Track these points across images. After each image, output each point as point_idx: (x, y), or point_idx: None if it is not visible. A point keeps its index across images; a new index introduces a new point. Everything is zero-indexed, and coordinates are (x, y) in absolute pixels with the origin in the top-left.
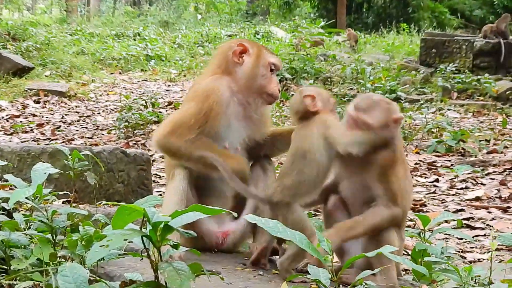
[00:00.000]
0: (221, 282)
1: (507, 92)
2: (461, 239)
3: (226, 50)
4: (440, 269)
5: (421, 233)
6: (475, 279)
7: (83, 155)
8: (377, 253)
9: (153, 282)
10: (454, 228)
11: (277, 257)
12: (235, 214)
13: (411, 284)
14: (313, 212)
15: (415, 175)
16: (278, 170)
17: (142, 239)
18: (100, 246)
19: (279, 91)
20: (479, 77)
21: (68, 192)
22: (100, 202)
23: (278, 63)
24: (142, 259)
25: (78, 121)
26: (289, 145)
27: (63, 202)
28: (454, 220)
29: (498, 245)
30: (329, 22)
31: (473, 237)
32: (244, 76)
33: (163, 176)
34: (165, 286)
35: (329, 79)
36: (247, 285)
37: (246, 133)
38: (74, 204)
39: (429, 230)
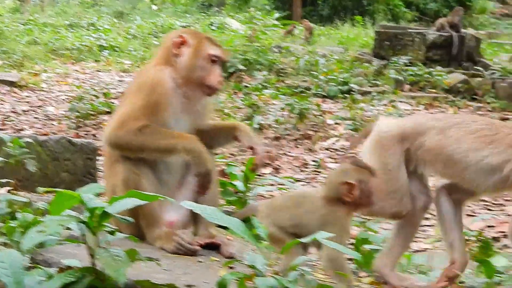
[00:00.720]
0: (159, 268)
1: (459, 85)
2: None
3: (168, 41)
4: None
5: (362, 222)
6: (418, 267)
7: (25, 143)
8: (313, 238)
9: (90, 268)
10: None
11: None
12: (173, 200)
13: (353, 272)
14: None
15: None
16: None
17: (79, 225)
18: (36, 232)
19: (221, 83)
20: (431, 69)
21: (10, 180)
22: (43, 190)
23: (221, 54)
24: (79, 245)
25: (28, 111)
26: (229, 137)
27: (8, 191)
28: None
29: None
30: (284, 13)
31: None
32: (183, 68)
33: None
34: (102, 272)
35: (282, 71)
36: (186, 272)
37: (190, 124)
38: (14, 192)
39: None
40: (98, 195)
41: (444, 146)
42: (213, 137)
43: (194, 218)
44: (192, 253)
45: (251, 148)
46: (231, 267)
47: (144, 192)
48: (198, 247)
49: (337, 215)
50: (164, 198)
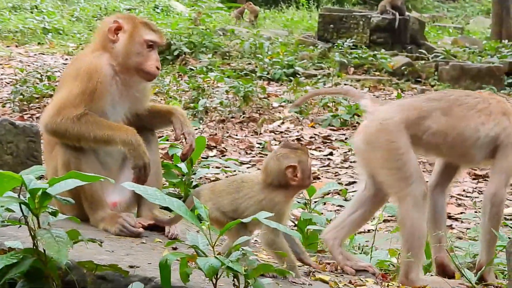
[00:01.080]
0: (103, 250)
1: (402, 68)
2: None
3: (104, 27)
4: None
5: (306, 203)
6: (361, 248)
7: None
8: (252, 218)
9: (32, 249)
10: (345, 199)
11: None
12: (112, 181)
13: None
14: None
15: (310, 149)
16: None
17: (21, 207)
18: None
19: (158, 68)
20: (375, 52)
21: None
22: None
23: (157, 39)
24: (20, 226)
25: None
26: (165, 121)
27: None
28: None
29: (388, 216)
30: None
31: None
32: (119, 54)
33: None
34: (44, 253)
35: (227, 54)
36: (129, 253)
37: (128, 108)
38: None
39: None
40: (41, 177)
41: (453, 126)
42: (150, 120)
43: (138, 200)
44: (135, 234)
45: (183, 135)
46: (174, 248)
47: (84, 173)
48: (141, 229)
49: (276, 200)
50: (105, 178)
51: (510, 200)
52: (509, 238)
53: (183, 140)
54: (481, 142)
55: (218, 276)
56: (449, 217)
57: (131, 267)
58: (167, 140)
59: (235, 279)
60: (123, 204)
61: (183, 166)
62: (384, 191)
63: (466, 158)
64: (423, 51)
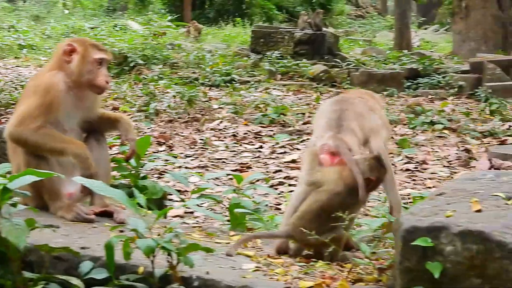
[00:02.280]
0: (58, 234)
1: (321, 74)
2: (279, 194)
3: (60, 49)
4: (251, 219)
5: (235, 190)
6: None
7: None
8: (183, 205)
9: None
10: (270, 186)
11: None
12: (63, 176)
13: (221, 232)
14: None
15: (244, 143)
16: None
17: None
18: None
19: (108, 82)
20: (298, 62)
21: None
22: None
23: (105, 56)
24: None
25: None
26: (112, 127)
27: None
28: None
29: None
30: (177, 16)
31: (289, 192)
32: (74, 73)
33: None
34: (6, 239)
35: (175, 64)
36: (82, 236)
37: (80, 118)
38: None
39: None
40: (8, 173)
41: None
42: (100, 126)
43: (90, 190)
44: (88, 220)
45: (127, 141)
46: (121, 231)
47: (39, 170)
48: (93, 216)
49: None
50: (57, 175)
51: (408, 182)
52: None
53: (128, 145)
54: None
55: (155, 254)
56: None
57: (82, 248)
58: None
59: (168, 256)
60: (78, 195)
61: (132, 160)
62: None
63: None
64: (338, 60)
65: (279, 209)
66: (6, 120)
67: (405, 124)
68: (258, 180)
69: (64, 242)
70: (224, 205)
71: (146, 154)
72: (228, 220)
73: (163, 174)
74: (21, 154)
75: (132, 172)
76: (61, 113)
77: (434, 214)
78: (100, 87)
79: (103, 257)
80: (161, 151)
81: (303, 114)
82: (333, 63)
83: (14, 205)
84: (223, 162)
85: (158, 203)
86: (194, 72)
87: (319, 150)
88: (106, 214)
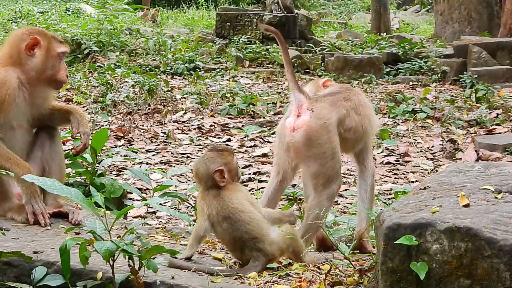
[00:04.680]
0: (8, 238)
1: (293, 60)
2: (249, 191)
3: (18, 41)
4: None
5: None
6: None
7: None
8: (144, 204)
9: None
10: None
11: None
12: (12, 174)
13: (187, 232)
14: None
15: (210, 136)
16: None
17: None
18: None
19: (67, 76)
20: (268, 47)
21: None
22: None
23: (66, 49)
24: None
25: None
26: (64, 120)
27: None
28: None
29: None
30: None
31: (258, 189)
32: (35, 68)
33: None
34: None
35: (134, 51)
36: (34, 239)
37: (32, 113)
38: None
39: None
40: None
41: (361, 123)
42: (51, 119)
43: (42, 189)
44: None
45: (79, 133)
46: (77, 233)
47: None
48: (47, 220)
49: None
50: (6, 173)
51: (389, 176)
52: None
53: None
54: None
55: (115, 258)
56: None
57: (35, 252)
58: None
59: (130, 260)
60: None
61: (87, 156)
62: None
63: (357, 148)
64: (311, 45)
65: None
66: None
67: (385, 114)
68: None
69: (14, 246)
70: (190, 204)
71: (103, 150)
72: (194, 220)
73: (122, 171)
74: None
75: (88, 169)
76: (12, 111)
77: (419, 210)
78: (61, 82)
79: (58, 262)
80: (119, 145)
81: (274, 104)
82: (305, 48)
83: None
84: (188, 157)
85: (117, 202)
86: (154, 60)
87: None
88: (61, 215)
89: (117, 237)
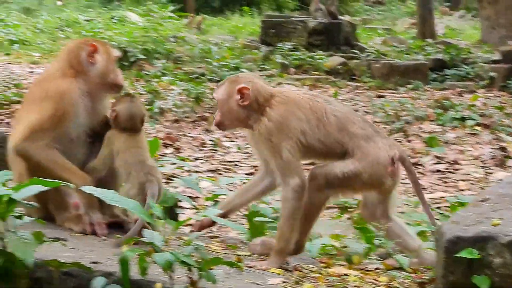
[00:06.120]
0: (66, 248)
1: (338, 67)
2: None
3: (76, 51)
4: (272, 227)
5: None
6: None
7: None
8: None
9: (1, 251)
10: None
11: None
12: (72, 186)
13: (242, 243)
14: None
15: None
16: None
17: None
18: None
19: (123, 79)
20: (313, 54)
21: None
22: None
23: (119, 54)
24: None
25: None
26: None
27: None
28: None
29: (331, 203)
30: (179, 6)
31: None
32: (98, 74)
33: None
34: (12, 254)
35: (179, 59)
36: (92, 250)
37: (91, 123)
38: None
39: None
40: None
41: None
42: (106, 129)
43: (99, 199)
44: (99, 232)
45: None
46: (135, 243)
47: (46, 179)
48: (105, 231)
49: None
50: (65, 184)
51: (439, 185)
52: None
53: None
54: None
55: (174, 269)
56: None
57: (93, 263)
58: None
59: (189, 271)
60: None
61: None
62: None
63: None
64: (356, 51)
65: None
66: (0, 122)
67: (432, 121)
68: None
69: (73, 256)
70: (241, 213)
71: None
72: (248, 228)
73: (171, 179)
74: (23, 162)
75: None
76: (72, 122)
77: (479, 222)
78: (121, 86)
79: (116, 272)
80: (168, 153)
81: None
82: (351, 54)
83: (19, 217)
84: (236, 165)
85: (169, 211)
86: (200, 67)
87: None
88: (116, 225)
89: (176, 248)
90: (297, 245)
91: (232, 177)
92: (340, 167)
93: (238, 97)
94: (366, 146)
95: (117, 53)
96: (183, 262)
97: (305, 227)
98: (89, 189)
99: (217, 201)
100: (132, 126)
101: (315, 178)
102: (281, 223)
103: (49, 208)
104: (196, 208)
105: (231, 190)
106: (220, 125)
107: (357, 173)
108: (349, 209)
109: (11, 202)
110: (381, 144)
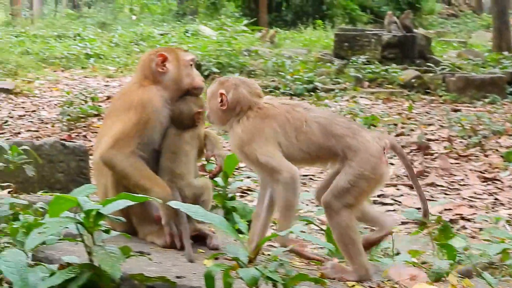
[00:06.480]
0: (151, 262)
1: (413, 80)
2: None
3: (148, 63)
4: None
5: None
6: (384, 251)
7: (23, 149)
8: (289, 231)
9: (88, 264)
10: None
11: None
12: (160, 201)
13: (324, 258)
14: None
15: None
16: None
17: (77, 226)
18: (38, 233)
19: (203, 80)
20: (387, 67)
21: (12, 184)
22: (41, 191)
23: (194, 56)
24: (77, 243)
25: (24, 116)
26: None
27: (9, 192)
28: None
29: (406, 218)
30: (252, 20)
31: (386, 211)
32: (172, 82)
33: None
34: (99, 268)
35: (252, 72)
36: (175, 264)
37: (173, 132)
38: (15, 195)
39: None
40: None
41: None
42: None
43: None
44: (181, 246)
45: (214, 156)
46: (216, 258)
47: (134, 194)
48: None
49: None
50: (152, 199)
51: None
52: None
53: (214, 161)
54: None
55: (259, 285)
56: (462, 218)
57: (178, 277)
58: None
59: None
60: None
61: (219, 180)
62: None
63: None
64: (431, 65)
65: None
66: (76, 135)
67: (510, 135)
68: None
69: (157, 270)
70: (318, 226)
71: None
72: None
73: (246, 193)
74: (109, 175)
75: (220, 192)
76: (156, 130)
77: None
78: (200, 88)
79: (200, 287)
80: (242, 167)
81: (395, 125)
82: (425, 67)
83: (107, 231)
84: (310, 179)
85: (249, 225)
86: (273, 80)
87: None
88: (197, 239)
89: (262, 263)
90: (361, 270)
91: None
92: (342, 179)
93: (219, 99)
94: (355, 143)
95: (190, 56)
96: (268, 278)
97: (355, 250)
98: (176, 204)
99: (298, 215)
100: (183, 123)
101: (329, 205)
102: (278, 217)
103: (132, 222)
104: (274, 223)
105: (304, 204)
106: (209, 119)
107: (359, 174)
108: (427, 225)
109: (99, 216)
110: (369, 137)
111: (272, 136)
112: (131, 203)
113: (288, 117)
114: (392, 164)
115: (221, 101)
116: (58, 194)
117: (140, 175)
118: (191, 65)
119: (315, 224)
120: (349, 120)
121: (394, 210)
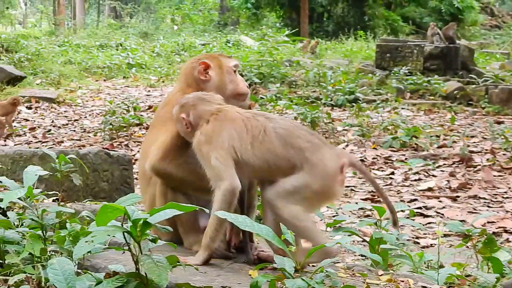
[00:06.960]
0: (196, 271)
1: (455, 92)
2: (415, 226)
3: (191, 71)
4: (396, 255)
5: (377, 222)
6: (427, 263)
7: (69, 158)
8: (336, 243)
9: (134, 273)
10: (407, 217)
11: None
12: (207, 211)
13: (368, 270)
14: None
15: (373, 169)
16: None
17: (124, 235)
18: (85, 242)
19: (247, 86)
20: (429, 78)
21: (57, 192)
22: (86, 200)
23: (237, 62)
24: (124, 252)
25: (66, 124)
26: None
27: (53, 201)
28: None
29: (449, 231)
30: (293, 30)
31: (425, 224)
32: (215, 89)
33: None
34: (145, 277)
35: (294, 83)
36: (220, 274)
37: None
38: (61, 203)
39: (387, 219)
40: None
41: None
42: None
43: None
44: (226, 256)
45: None
46: (261, 269)
47: (181, 204)
48: (230, 254)
49: None
50: (200, 208)
51: None
52: None
53: None
54: None
55: None
56: (505, 231)
57: (223, 287)
58: None
59: None
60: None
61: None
62: None
63: None
64: (473, 76)
65: (419, 243)
66: (118, 144)
67: None
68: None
69: (203, 280)
70: (362, 238)
71: None
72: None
73: None
74: (156, 185)
75: (259, 203)
76: None
77: None
78: (244, 94)
79: None
80: None
81: (438, 136)
82: (468, 79)
83: (154, 240)
84: (352, 190)
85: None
86: (314, 91)
87: (340, 169)
88: (240, 249)
89: (308, 274)
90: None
91: (356, 203)
92: (289, 182)
93: (184, 123)
94: (313, 158)
95: (233, 62)
96: None
97: (309, 235)
98: (222, 214)
99: (340, 227)
100: None
101: (268, 202)
102: (209, 221)
103: (178, 231)
104: None
105: (349, 216)
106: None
107: (307, 185)
108: (471, 237)
109: (146, 225)
110: (329, 155)
111: (227, 139)
112: (179, 212)
113: (246, 123)
114: (434, 176)
115: (185, 124)
116: (105, 203)
117: (199, 179)
118: (234, 71)
119: (357, 235)
120: (311, 133)
121: (436, 222)
